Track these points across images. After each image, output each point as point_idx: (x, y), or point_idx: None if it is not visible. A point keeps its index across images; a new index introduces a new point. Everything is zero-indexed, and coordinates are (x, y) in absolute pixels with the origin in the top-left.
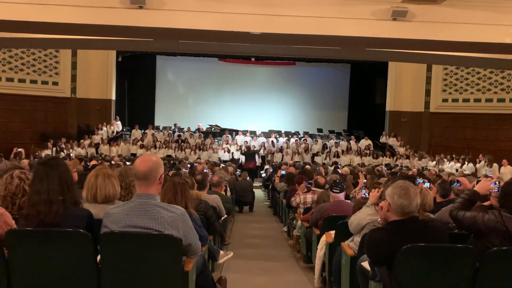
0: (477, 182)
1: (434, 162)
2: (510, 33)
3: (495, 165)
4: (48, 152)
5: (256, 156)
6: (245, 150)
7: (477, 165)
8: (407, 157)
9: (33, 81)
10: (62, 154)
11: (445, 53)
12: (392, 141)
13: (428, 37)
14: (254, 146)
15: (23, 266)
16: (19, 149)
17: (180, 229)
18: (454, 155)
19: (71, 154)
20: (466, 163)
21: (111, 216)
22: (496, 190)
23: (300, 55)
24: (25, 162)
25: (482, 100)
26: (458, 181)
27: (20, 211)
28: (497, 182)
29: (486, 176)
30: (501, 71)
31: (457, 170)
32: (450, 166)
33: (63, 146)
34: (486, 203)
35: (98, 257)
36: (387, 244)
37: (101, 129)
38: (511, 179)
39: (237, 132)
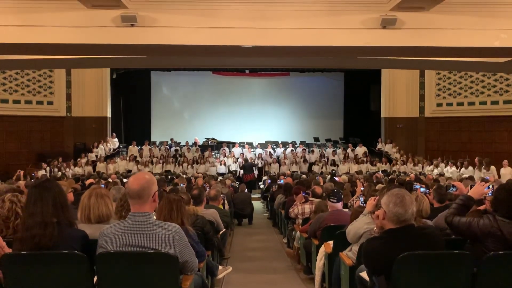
0: (471, 187)
1: (432, 167)
2: (499, 37)
3: (493, 167)
4: (43, 172)
5: (254, 168)
6: (243, 162)
7: (475, 169)
8: (404, 163)
9: (28, 102)
10: (59, 174)
11: (437, 59)
12: (388, 147)
13: (418, 43)
14: (252, 158)
15: None
16: (22, 171)
17: (176, 246)
18: (451, 160)
19: (66, 174)
20: (464, 167)
21: (106, 236)
22: (490, 194)
23: (294, 66)
24: (21, 183)
25: (476, 103)
26: (454, 186)
27: (15, 234)
28: (490, 186)
29: (483, 179)
30: (493, 74)
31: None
32: (447, 170)
33: (59, 165)
34: (481, 207)
35: (95, 278)
36: (384, 254)
37: (97, 147)
38: (505, 183)
39: (233, 144)
